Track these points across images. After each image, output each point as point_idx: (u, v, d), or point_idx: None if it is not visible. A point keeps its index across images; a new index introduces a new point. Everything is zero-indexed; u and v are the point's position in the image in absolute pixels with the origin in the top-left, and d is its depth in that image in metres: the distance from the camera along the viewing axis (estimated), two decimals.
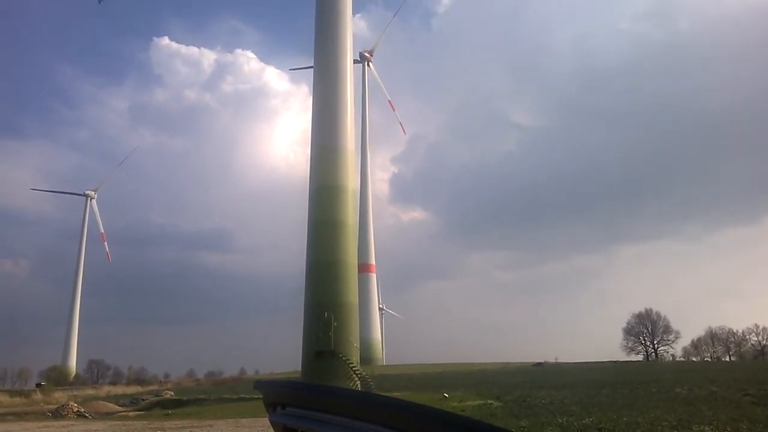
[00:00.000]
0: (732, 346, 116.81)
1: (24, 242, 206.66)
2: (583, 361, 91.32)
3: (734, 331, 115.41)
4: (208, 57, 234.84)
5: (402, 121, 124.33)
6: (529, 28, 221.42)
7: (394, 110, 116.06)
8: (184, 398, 44.48)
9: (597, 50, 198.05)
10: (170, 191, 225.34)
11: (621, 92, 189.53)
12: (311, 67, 43.86)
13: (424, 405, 1.17)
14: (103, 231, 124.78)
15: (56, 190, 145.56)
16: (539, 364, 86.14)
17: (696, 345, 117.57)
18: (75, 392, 60.23)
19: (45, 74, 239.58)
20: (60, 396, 52.49)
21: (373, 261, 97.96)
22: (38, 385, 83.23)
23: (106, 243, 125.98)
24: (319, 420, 1.44)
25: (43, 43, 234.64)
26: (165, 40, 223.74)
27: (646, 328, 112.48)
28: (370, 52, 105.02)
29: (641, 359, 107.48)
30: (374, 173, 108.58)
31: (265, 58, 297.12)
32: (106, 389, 71.57)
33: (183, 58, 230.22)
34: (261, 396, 1.70)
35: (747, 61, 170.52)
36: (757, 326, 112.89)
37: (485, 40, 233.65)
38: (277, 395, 1.62)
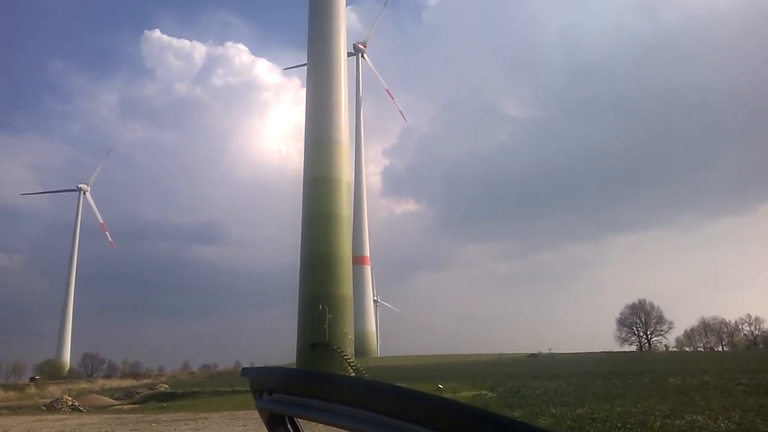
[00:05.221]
0: (725, 336, 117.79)
1: (18, 237, 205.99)
2: (577, 351, 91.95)
3: (727, 321, 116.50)
4: (199, 50, 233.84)
5: (397, 111, 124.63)
6: (519, 20, 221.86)
7: (392, 99, 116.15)
8: (179, 391, 44.44)
9: (586, 42, 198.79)
10: (162, 185, 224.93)
11: (612, 83, 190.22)
12: (305, 64, 43.60)
13: (408, 388, 1.15)
14: (102, 221, 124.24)
15: (48, 188, 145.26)
16: (533, 354, 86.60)
17: (689, 335, 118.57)
18: (69, 386, 60.12)
19: (36, 68, 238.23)
20: (54, 390, 52.40)
21: (367, 253, 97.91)
22: (32, 379, 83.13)
23: (107, 232, 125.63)
24: (305, 405, 1.42)
25: (35, 37, 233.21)
26: (156, 33, 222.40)
27: (640, 318, 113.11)
28: (364, 44, 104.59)
29: (635, 350, 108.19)
30: (366, 166, 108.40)
31: (256, 50, 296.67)
32: (100, 383, 71.55)
33: (174, 50, 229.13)
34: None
35: (736, 53, 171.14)
36: (749, 316, 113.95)
37: (476, 32, 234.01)
38: (263, 381, 1.60)
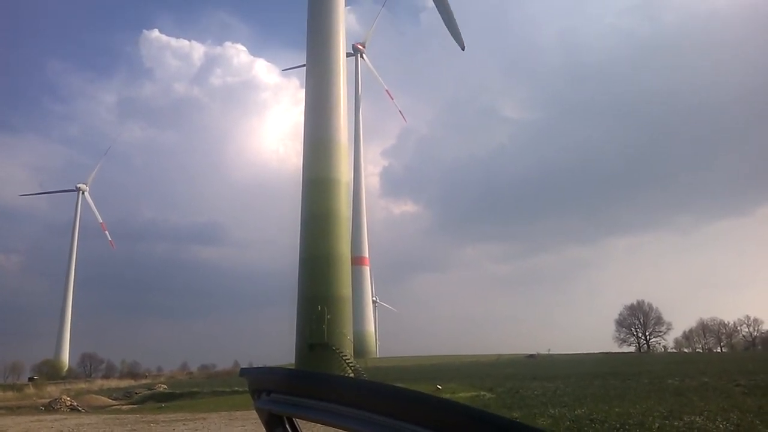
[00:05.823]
0: (723, 337, 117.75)
1: (16, 237, 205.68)
2: (576, 352, 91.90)
3: (725, 322, 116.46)
4: (198, 50, 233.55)
5: (396, 112, 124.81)
6: (518, 22, 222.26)
7: (392, 99, 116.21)
8: (177, 391, 44.41)
9: (585, 44, 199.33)
10: (161, 185, 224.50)
11: (611, 85, 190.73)
12: (304, 65, 43.57)
13: (407, 389, 1.15)
14: (101, 221, 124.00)
15: (47, 189, 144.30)
16: (532, 355, 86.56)
17: (688, 336, 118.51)
18: (68, 386, 60.02)
19: (35, 69, 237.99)
20: (53, 390, 52.34)
21: (366, 254, 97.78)
22: (31, 379, 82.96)
23: (107, 232, 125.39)
24: (304, 406, 1.42)
25: (34, 37, 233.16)
26: (155, 33, 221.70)
27: (638, 319, 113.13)
28: (363, 44, 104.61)
29: (633, 351, 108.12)
30: (365, 167, 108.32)
31: (255, 51, 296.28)
32: (98, 383, 71.42)
33: (173, 50, 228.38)
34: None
35: (735, 55, 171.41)
36: (748, 317, 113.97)
37: (474, 34, 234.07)
38: (261, 382, 1.61)
